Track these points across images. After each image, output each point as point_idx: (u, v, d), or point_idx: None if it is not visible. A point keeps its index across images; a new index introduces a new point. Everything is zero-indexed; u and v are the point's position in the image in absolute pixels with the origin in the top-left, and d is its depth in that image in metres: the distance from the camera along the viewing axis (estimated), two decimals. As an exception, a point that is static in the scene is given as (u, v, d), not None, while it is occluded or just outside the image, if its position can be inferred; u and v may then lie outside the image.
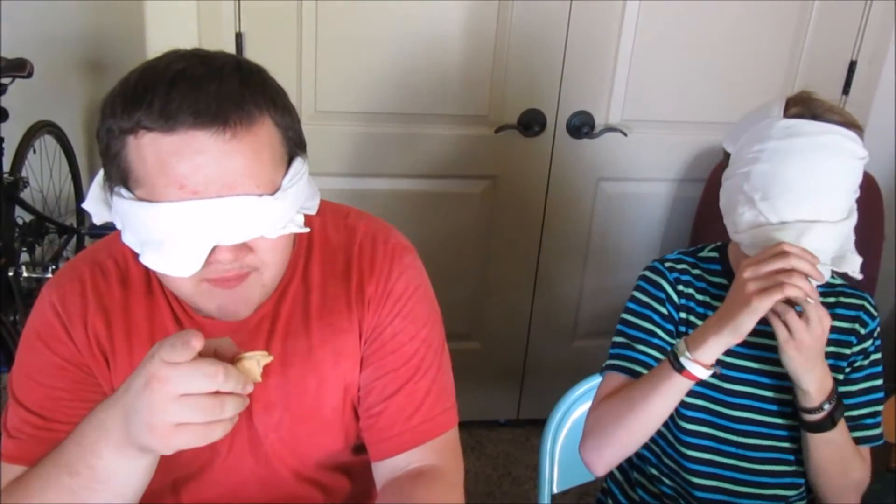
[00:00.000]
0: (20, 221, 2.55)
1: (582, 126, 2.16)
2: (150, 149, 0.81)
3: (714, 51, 2.15)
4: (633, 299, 1.29)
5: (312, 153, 2.16)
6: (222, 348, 0.79)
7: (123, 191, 0.85)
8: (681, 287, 1.26)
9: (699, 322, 1.24)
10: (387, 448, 1.03)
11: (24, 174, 2.55)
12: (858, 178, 1.11)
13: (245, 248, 0.87)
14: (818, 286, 1.18)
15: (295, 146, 0.92)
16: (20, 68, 2.26)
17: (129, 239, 0.88)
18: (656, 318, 1.26)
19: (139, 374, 0.76)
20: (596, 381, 1.35)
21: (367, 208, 2.11)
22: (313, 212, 1.00)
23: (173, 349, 0.74)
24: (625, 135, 2.18)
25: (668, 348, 1.23)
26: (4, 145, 2.34)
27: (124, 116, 0.81)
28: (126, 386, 0.79)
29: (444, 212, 2.23)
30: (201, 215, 0.81)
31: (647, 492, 1.34)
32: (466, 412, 2.54)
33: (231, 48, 1.94)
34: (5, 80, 2.27)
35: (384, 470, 1.03)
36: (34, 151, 2.57)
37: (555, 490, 1.41)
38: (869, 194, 2.07)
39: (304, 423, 1.05)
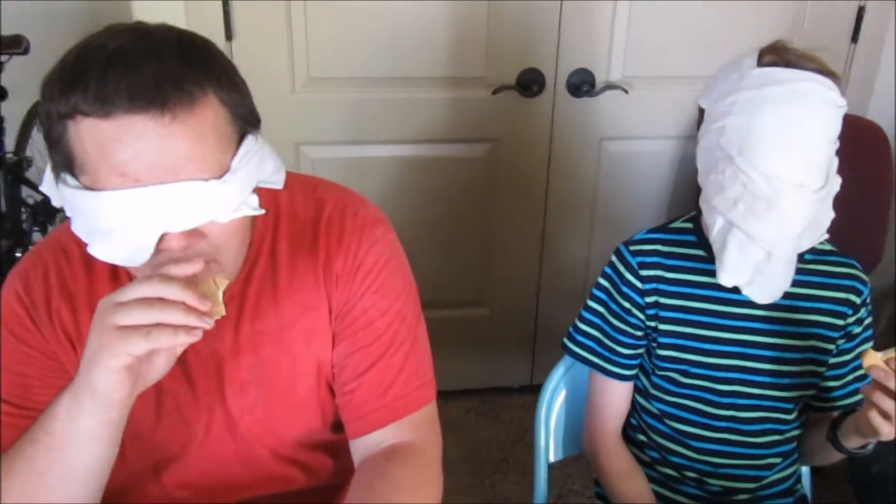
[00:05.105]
0: (31, 202, 2.56)
1: (581, 84, 2.10)
2: (88, 135, 0.77)
3: (717, 1, 2.06)
4: (598, 286, 1.27)
5: (308, 121, 2.14)
6: None
7: (69, 178, 0.82)
8: (644, 272, 1.21)
9: (671, 302, 1.21)
10: (362, 426, 1.02)
11: (29, 154, 2.55)
12: (837, 128, 1.05)
13: (196, 233, 0.84)
14: (804, 254, 1.14)
15: (246, 123, 0.87)
16: (16, 45, 2.24)
17: (77, 228, 0.85)
18: (615, 308, 1.24)
19: None
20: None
21: (366, 176, 2.13)
22: (279, 186, 0.96)
23: None
24: (626, 92, 2.12)
25: (633, 341, 1.24)
26: (6, 125, 2.34)
27: (61, 100, 0.78)
28: None
29: (444, 177, 2.20)
30: (146, 203, 0.79)
31: (642, 463, 1.31)
32: (478, 379, 2.56)
33: (219, 16, 1.90)
34: (2, 58, 2.25)
35: (360, 447, 1.02)
36: (39, 130, 2.57)
37: (552, 459, 1.39)
38: (876, 146, 2.00)
39: (278, 403, 1.04)
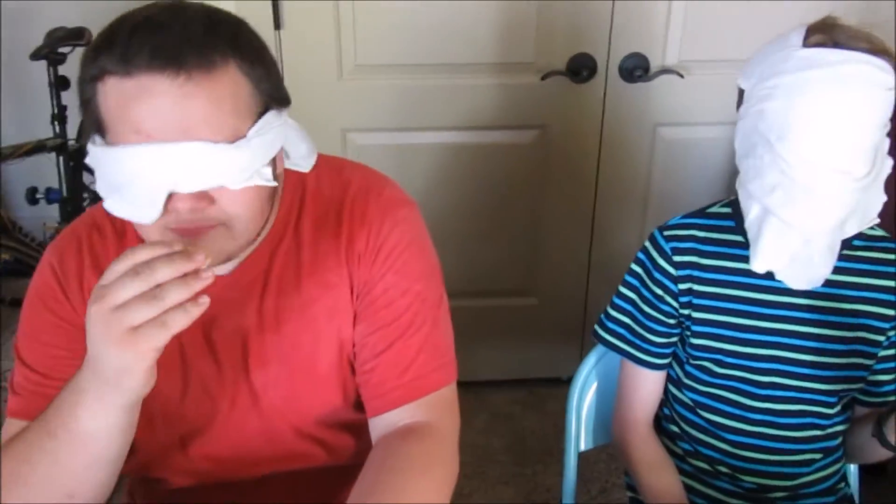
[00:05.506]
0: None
1: (634, 69, 2.05)
2: (112, 93, 0.81)
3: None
4: (630, 272, 1.24)
5: (355, 108, 2.15)
6: None
7: (97, 138, 0.86)
8: (678, 257, 1.17)
9: (705, 289, 1.16)
10: (380, 404, 1.01)
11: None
12: (888, 111, 0.98)
13: (206, 198, 0.85)
14: (852, 239, 1.08)
15: (270, 99, 0.89)
16: (78, 36, 2.32)
17: (99, 185, 0.88)
18: (647, 295, 1.20)
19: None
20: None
21: (413, 163, 2.12)
22: (307, 169, 0.99)
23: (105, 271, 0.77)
24: (681, 76, 2.06)
25: (665, 329, 1.20)
26: (68, 113, 2.42)
27: (92, 64, 0.82)
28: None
29: (492, 164, 2.17)
30: (157, 160, 0.81)
31: (673, 455, 1.27)
32: (527, 369, 2.53)
33: (268, 6, 1.92)
34: (65, 49, 2.33)
35: (378, 426, 1.02)
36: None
37: (582, 448, 1.37)
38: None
39: (300, 379, 1.05)
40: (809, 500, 1.20)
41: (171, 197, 0.83)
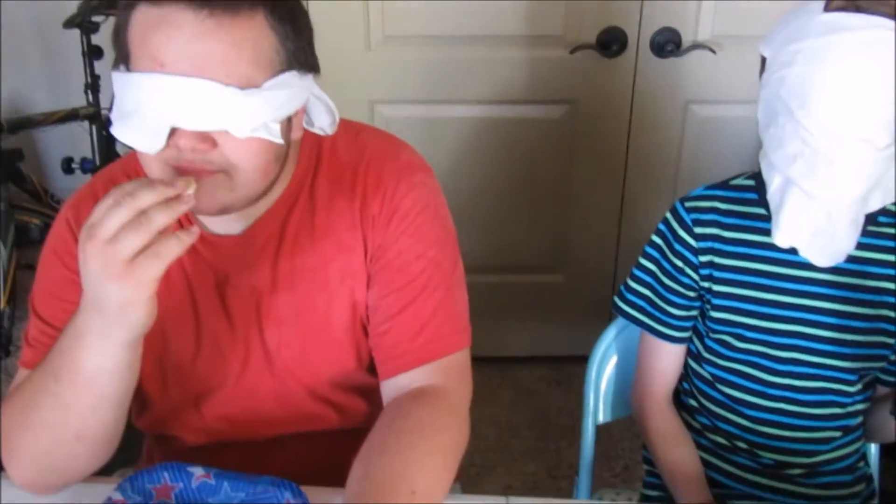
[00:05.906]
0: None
1: (666, 44, 2.01)
2: (139, 21, 0.83)
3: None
4: (651, 243, 1.22)
5: (382, 80, 2.14)
6: None
7: (122, 66, 0.87)
8: (699, 229, 1.15)
9: (727, 262, 1.14)
10: (392, 367, 1.02)
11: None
12: None
13: (209, 140, 0.85)
14: (877, 215, 1.06)
15: (294, 59, 0.89)
16: (112, 5, 2.33)
17: (113, 112, 0.88)
18: (668, 267, 1.18)
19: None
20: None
21: (440, 136, 2.12)
22: (327, 133, 1.00)
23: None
24: (714, 52, 2.01)
25: (685, 301, 1.18)
26: (101, 83, 2.44)
27: None
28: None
29: (519, 139, 2.16)
30: (164, 90, 0.82)
31: (691, 430, 1.25)
32: (552, 346, 2.52)
33: (297, -25, 1.92)
34: (98, 18, 2.35)
35: (389, 389, 1.02)
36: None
37: (601, 420, 1.36)
38: None
39: (314, 340, 1.05)
40: (827, 478, 1.18)
41: (175, 132, 0.84)
